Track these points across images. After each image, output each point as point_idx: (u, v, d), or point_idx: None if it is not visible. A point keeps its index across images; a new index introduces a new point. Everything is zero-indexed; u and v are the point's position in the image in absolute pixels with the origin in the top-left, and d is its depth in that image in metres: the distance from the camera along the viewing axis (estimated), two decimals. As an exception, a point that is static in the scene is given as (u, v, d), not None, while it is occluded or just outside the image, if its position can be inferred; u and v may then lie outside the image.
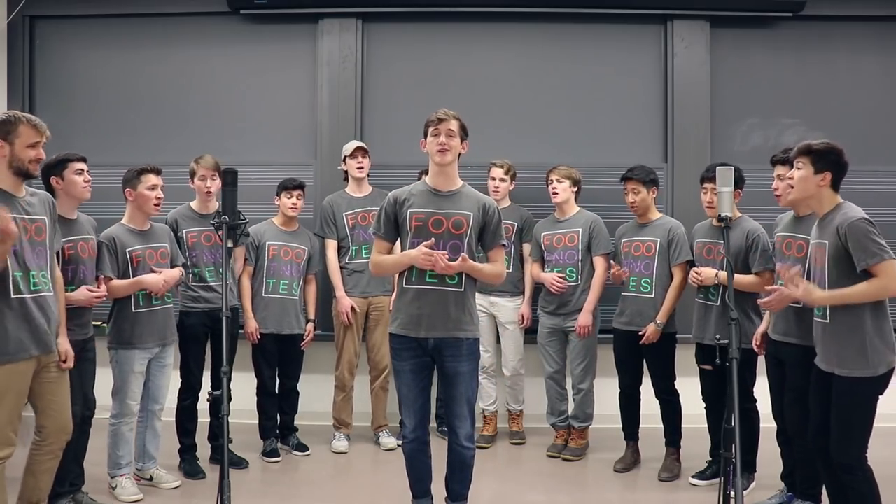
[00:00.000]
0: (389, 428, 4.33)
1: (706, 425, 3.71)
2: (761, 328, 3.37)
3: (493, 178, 4.29)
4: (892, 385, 2.72)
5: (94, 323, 3.33)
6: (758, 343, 3.37)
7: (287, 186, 4.16)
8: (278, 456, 4.10)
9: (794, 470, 3.26)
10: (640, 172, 3.86)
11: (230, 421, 2.66)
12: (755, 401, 3.55)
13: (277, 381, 4.20)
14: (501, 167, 4.30)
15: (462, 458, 2.96)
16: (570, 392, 4.20)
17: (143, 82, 4.86)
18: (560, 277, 4.08)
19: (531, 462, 4.11)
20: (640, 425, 4.00)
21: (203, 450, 3.89)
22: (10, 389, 2.63)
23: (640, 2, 4.71)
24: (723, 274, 3.36)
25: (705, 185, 3.62)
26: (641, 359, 3.91)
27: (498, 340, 4.45)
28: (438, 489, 3.06)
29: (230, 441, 2.68)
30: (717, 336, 2.98)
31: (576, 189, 4.16)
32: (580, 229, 4.10)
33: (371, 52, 4.82)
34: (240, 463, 3.90)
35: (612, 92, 4.77)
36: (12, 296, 2.62)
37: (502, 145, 4.54)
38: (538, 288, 4.29)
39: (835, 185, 2.80)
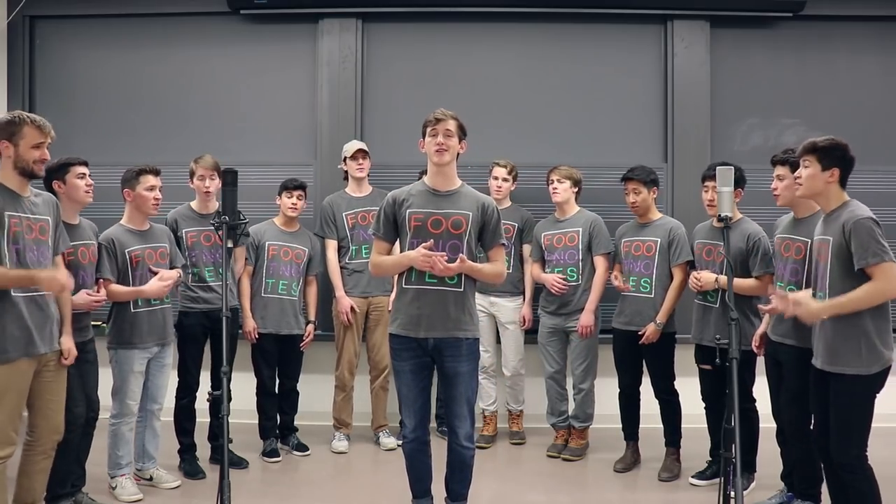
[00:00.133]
0: (389, 428, 4.33)
1: (706, 425, 3.71)
2: (761, 329, 3.37)
3: (496, 178, 4.28)
4: (892, 385, 2.72)
5: (93, 323, 3.32)
6: (757, 344, 3.37)
7: (288, 187, 4.16)
8: (278, 456, 4.10)
9: (793, 470, 3.26)
10: (641, 173, 3.87)
11: (230, 421, 2.66)
12: (755, 401, 3.55)
13: (277, 381, 4.20)
14: (504, 167, 4.30)
15: (462, 458, 2.96)
16: (570, 392, 4.21)
17: (143, 82, 4.85)
18: (561, 279, 4.08)
19: (531, 462, 4.11)
20: (640, 425, 4.00)
21: (203, 450, 3.88)
22: (11, 388, 2.63)
23: (640, 2, 4.70)
24: (723, 278, 3.35)
25: (706, 183, 3.61)
26: (641, 359, 3.92)
27: (498, 340, 4.45)
28: (438, 489, 3.06)
29: (230, 441, 2.69)
30: (717, 337, 2.98)
31: (576, 189, 4.16)
32: (580, 229, 4.10)
33: (371, 52, 4.82)
34: (240, 463, 3.91)
35: (612, 92, 4.77)
36: (13, 294, 2.62)
37: (502, 145, 4.54)
38: (538, 288, 4.29)
39: (842, 182, 2.79)
